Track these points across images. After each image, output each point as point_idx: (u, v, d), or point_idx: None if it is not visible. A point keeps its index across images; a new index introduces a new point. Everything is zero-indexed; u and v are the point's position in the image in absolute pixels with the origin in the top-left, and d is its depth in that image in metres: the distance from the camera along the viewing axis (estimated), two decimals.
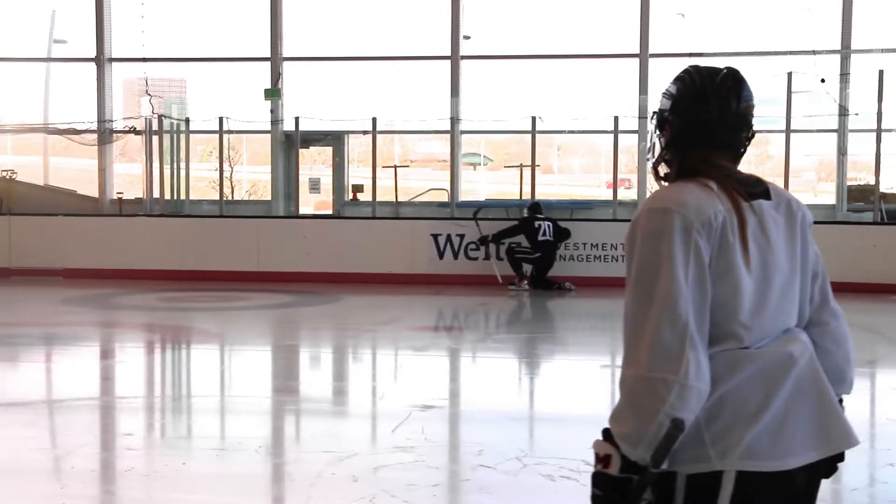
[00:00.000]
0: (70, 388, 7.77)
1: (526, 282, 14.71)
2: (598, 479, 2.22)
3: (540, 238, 14.77)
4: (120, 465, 5.56)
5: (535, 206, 15.36)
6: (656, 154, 2.39)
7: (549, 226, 14.86)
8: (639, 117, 16.38)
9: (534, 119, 16.45)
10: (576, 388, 7.91)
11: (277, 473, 5.39)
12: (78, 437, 6.18)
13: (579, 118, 16.92)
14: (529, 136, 16.83)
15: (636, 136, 16.69)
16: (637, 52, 16.88)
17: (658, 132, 2.39)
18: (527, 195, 17.19)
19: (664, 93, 2.39)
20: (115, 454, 5.81)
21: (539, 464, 5.46)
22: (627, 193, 18.25)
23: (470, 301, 13.66)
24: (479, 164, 20.78)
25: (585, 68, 17.88)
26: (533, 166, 16.65)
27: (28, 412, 6.85)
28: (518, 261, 14.84)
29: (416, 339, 10.50)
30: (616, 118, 16.24)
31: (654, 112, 2.41)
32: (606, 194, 19.98)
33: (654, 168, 2.40)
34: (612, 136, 16.60)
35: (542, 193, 17.63)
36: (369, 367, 9.32)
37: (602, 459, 2.20)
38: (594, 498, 2.22)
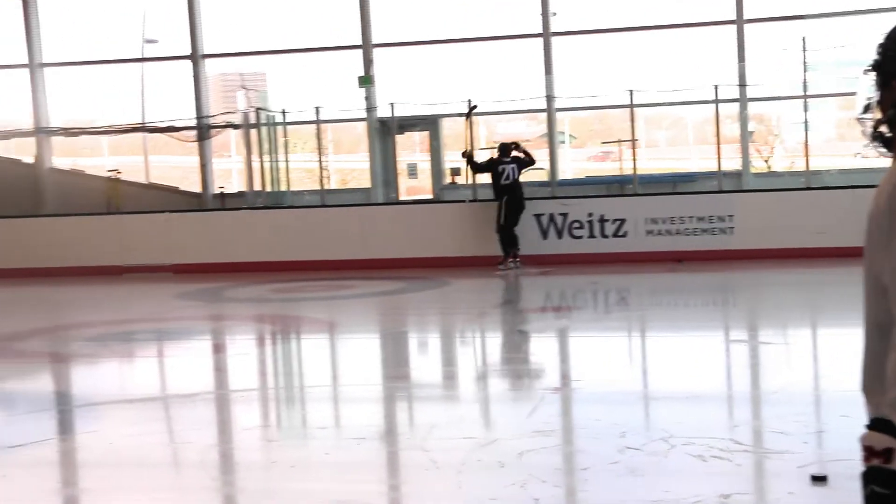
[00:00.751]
0: (191, 382, 7.83)
1: (510, 260, 14.58)
2: (878, 476, 1.97)
3: (502, 182, 14.71)
4: (258, 457, 5.56)
5: (503, 148, 15.12)
6: (877, 113, 2.18)
7: (512, 169, 14.73)
8: (739, 85, 15.98)
9: (631, 92, 16.13)
10: (707, 364, 7.72)
11: (422, 461, 5.32)
12: (200, 430, 6.21)
13: (675, 90, 16.54)
14: (613, 111, 16.52)
15: (737, 104, 16.28)
16: (733, 18, 16.42)
17: (880, 89, 2.17)
18: (627, 171, 16.93)
19: (884, 44, 2.17)
20: (246, 445, 5.81)
21: (687, 444, 5.31)
22: (731, 164, 17.79)
23: (579, 280, 13.51)
24: (563, 142, 20.50)
25: (679, 38, 17.48)
26: (633, 141, 16.35)
27: (149, 407, 6.91)
28: (504, 238, 14.70)
29: (533, 321, 10.40)
30: (716, 87, 15.84)
31: (872, 65, 2.19)
32: (703, 166, 19.59)
33: (875, 129, 2.19)
34: (706, 106, 16.18)
35: (642, 169, 17.31)
36: (491, 351, 9.23)
37: (881, 454, 1.96)
38: (874, 497, 1.98)
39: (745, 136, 16.70)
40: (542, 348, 8.98)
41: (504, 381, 7.27)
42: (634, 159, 16.38)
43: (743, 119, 16.45)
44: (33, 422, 6.42)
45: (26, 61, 18.69)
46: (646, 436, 5.47)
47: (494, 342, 9.66)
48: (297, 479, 5.03)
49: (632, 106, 16.30)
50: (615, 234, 15.23)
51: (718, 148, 16.21)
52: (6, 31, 19.02)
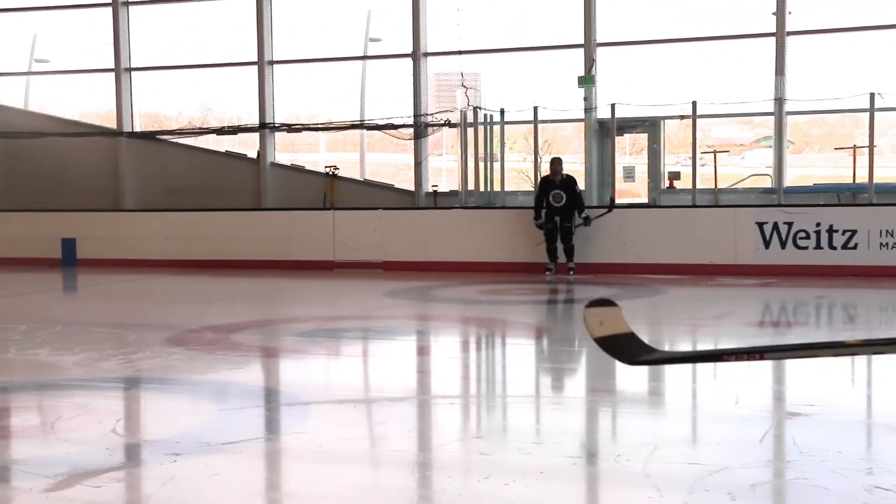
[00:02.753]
0: (397, 383, 7.65)
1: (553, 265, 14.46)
2: None
3: (553, 204, 14.46)
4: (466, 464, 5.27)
5: (554, 162, 14.71)
6: None
7: (558, 192, 14.40)
8: None
9: (872, 95, 15.09)
10: None
11: (633, 482, 4.89)
12: (409, 436, 5.99)
13: None
14: (834, 115, 15.49)
15: None
16: None
17: None
18: (861, 179, 15.88)
19: None
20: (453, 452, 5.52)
21: None
22: None
23: (804, 293, 12.68)
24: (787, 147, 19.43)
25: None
26: (871, 147, 15.29)
27: (358, 409, 6.74)
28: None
29: (757, 336, 9.74)
30: None
31: None
32: None
33: None
34: None
35: (879, 177, 16.16)
36: (714, 367, 8.65)
37: None
38: None
39: None
40: (764, 367, 8.34)
41: (728, 400, 6.71)
42: (871, 166, 15.33)
43: None
44: (244, 417, 6.35)
45: (255, 59, 19.22)
46: None
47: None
48: (499, 487, 4.70)
49: (871, 110, 15.24)
50: (844, 246, 14.30)
51: None
52: (236, 30, 19.63)
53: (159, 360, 8.31)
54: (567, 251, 14.58)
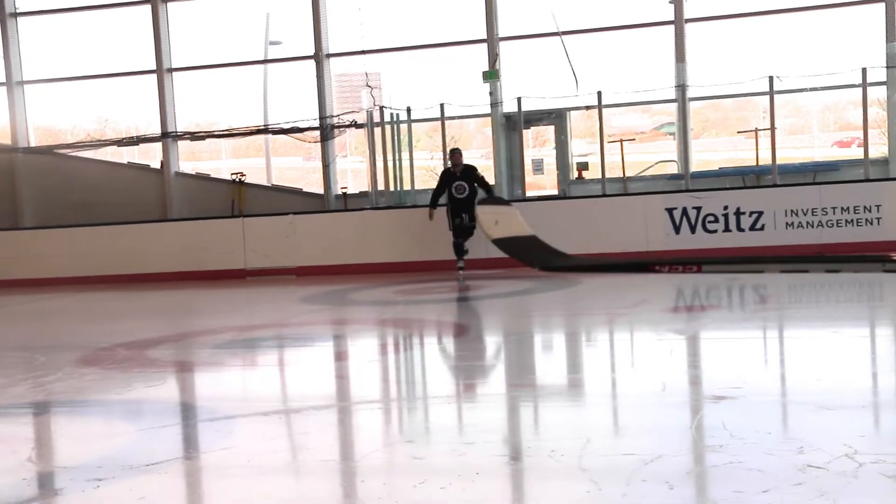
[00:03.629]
0: (318, 391, 7.52)
1: (463, 262, 14.29)
2: None
3: (456, 196, 14.27)
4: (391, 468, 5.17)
5: (453, 153, 14.57)
6: None
7: (460, 183, 14.28)
8: (887, 67, 15.06)
9: (771, 79, 15.40)
10: (873, 367, 7.07)
11: (571, 476, 4.85)
12: (333, 444, 5.87)
13: (815, 74, 15.68)
14: (729, 101, 15.81)
15: (884, 87, 15.35)
16: None
17: None
18: (764, 161, 16.19)
19: None
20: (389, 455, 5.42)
21: (876, 462, 4.73)
22: (869, 151, 16.83)
23: (716, 277, 12.83)
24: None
25: (818, 20, 16.60)
26: (773, 129, 15.58)
27: (281, 420, 6.59)
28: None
29: (674, 322, 9.83)
30: (864, 70, 14.95)
31: None
32: (836, 154, 18.68)
33: None
34: (834, 92, 15.34)
35: (780, 158, 16.49)
36: (636, 354, 8.70)
37: None
38: None
39: (894, 122, 15.76)
40: (687, 351, 8.41)
41: (653, 387, 6.72)
42: (773, 148, 15.63)
43: (892, 103, 15.51)
44: (166, 436, 6.16)
45: (153, 67, 18.82)
46: (827, 452, 4.90)
47: (635, 344, 9.12)
48: (436, 491, 4.62)
49: (771, 93, 15.54)
50: (752, 228, 14.56)
51: (865, 134, 15.29)
52: (134, 38, 19.20)
53: (72, 382, 8.03)
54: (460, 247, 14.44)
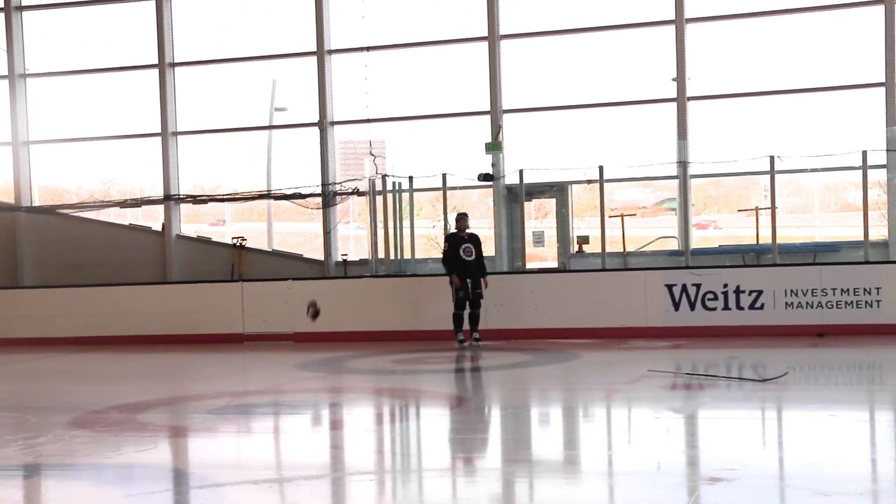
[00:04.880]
0: (312, 460, 7.44)
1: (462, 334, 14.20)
2: None
3: (464, 258, 14.24)
4: None
5: (460, 218, 14.60)
6: None
7: (468, 246, 14.30)
8: (887, 150, 15.15)
9: (772, 158, 15.48)
10: (871, 452, 6.99)
11: None
12: None
13: (816, 155, 15.75)
14: (730, 178, 15.89)
15: (884, 171, 15.43)
16: (882, 80, 15.64)
17: None
18: (764, 240, 16.21)
19: None
20: None
21: None
22: (876, 232, 16.89)
23: (715, 354, 12.80)
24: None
25: (818, 102, 16.73)
26: (773, 208, 15.62)
27: (273, 490, 6.51)
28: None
29: (672, 399, 9.75)
30: (864, 153, 15.04)
31: None
32: (837, 234, 18.73)
33: None
34: (838, 173, 15.41)
35: (780, 237, 16.50)
36: (632, 432, 8.61)
37: None
38: None
39: (894, 204, 15.80)
40: (682, 430, 8.33)
41: (648, 466, 6.64)
42: (774, 227, 15.65)
43: (892, 186, 15.57)
44: (154, 503, 6.07)
45: (158, 130, 18.97)
46: None
47: (632, 421, 9.04)
48: None
49: (772, 172, 15.61)
50: (751, 307, 14.51)
51: (865, 215, 15.30)
52: (140, 101, 19.36)
53: (62, 445, 7.95)
54: (475, 317, 14.36)
